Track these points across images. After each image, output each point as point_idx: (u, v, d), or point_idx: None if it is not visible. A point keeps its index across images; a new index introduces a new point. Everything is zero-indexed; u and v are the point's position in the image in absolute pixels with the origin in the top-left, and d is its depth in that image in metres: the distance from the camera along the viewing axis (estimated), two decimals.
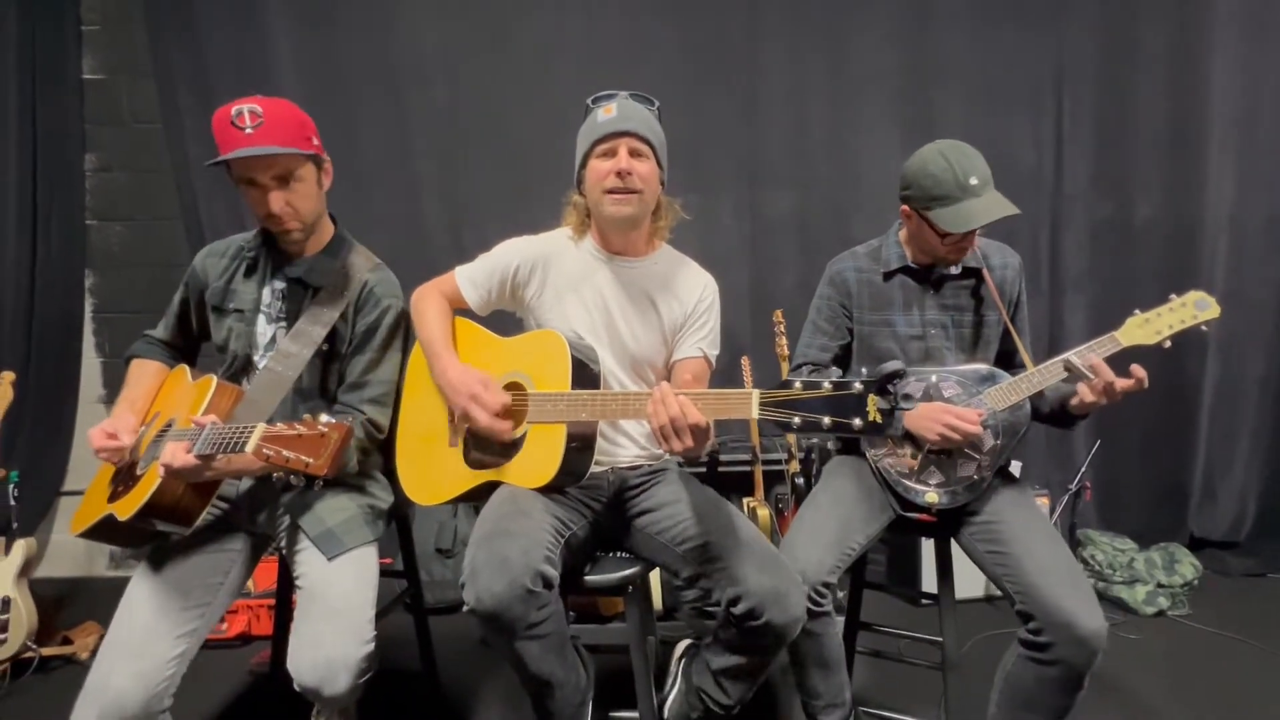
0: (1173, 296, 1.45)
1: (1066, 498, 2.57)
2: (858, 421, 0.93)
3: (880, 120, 2.76)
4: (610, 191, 1.39)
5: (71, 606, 2.59)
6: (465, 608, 1.18)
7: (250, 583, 2.46)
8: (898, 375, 0.92)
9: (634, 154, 1.40)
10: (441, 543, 2.56)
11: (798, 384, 0.97)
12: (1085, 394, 1.42)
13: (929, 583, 2.43)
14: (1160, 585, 2.47)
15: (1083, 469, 2.57)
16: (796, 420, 0.97)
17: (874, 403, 0.92)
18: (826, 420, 0.94)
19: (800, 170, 2.79)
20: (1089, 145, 2.76)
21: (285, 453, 1.06)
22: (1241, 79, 2.67)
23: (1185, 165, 2.73)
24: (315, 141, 1.43)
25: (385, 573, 1.52)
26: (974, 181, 1.45)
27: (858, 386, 0.94)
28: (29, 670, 2.11)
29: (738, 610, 1.26)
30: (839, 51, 2.75)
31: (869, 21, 2.73)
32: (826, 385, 0.95)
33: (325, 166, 1.47)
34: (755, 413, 1.01)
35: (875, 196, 2.76)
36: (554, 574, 1.23)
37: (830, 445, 1.78)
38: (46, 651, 2.16)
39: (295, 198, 1.39)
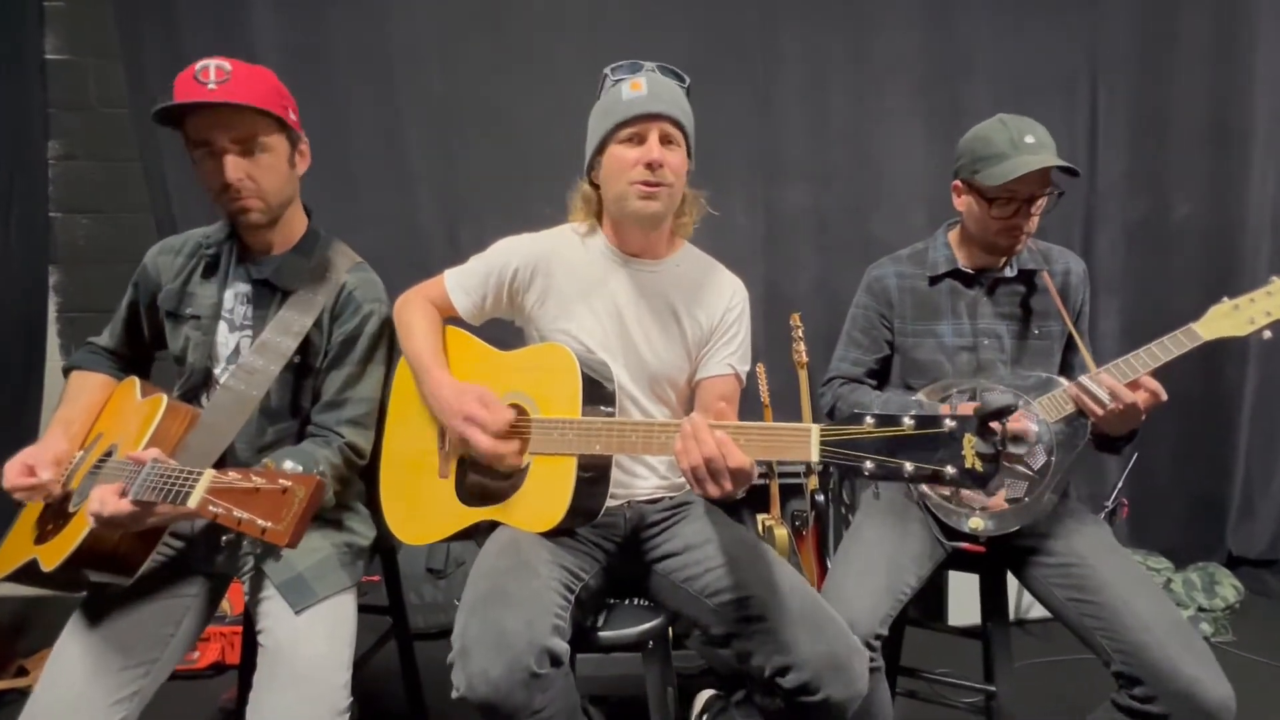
0: (1274, 279, 1.28)
1: (1102, 515, 2.40)
2: (950, 469, 0.72)
3: (902, 112, 2.60)
4: (637, 183, 1.20)
5: (32, 631, 2.37)
6: (455, 693, 0.98)
7: (226, 604, 2.27)
8: (1007, 411, 0.72)
9: (665, 141, 1.20)
10: (433, 562, 2.39)
11: (869, 419, 0.78)
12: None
13: (955, 614, 2.26)
14: (1201, 609, 2.32)
15: (1119, 485, 2.41)
16: (869, 465, 0.77)
17: (972, 444, 0.72)
18: (909, 467, 0.74)
19: (818, 165, 2.63)
20: (1124, 140, 2.61)
21: (236, 512, 0.86)
22: None
23: (1226, 162, 2.57)
24: (293, 117, 1.24)
25: (367, 609, 1.34)
26: (1030, 140, 1.31)
27: (949, 424, 0.73)
28: None
29: (788, 683, 1.06)
30: (859, 39, 2.58)
31: (891, 8, 2.57)
32: (908, 421, 0.75)
33: (301, 147, 1.27)
34: (815, 455, 0.82)
35: (897, 193, 2.60)
36: (563, 648, 1.03)
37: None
38: None
39: (258, 170, 1.18)
